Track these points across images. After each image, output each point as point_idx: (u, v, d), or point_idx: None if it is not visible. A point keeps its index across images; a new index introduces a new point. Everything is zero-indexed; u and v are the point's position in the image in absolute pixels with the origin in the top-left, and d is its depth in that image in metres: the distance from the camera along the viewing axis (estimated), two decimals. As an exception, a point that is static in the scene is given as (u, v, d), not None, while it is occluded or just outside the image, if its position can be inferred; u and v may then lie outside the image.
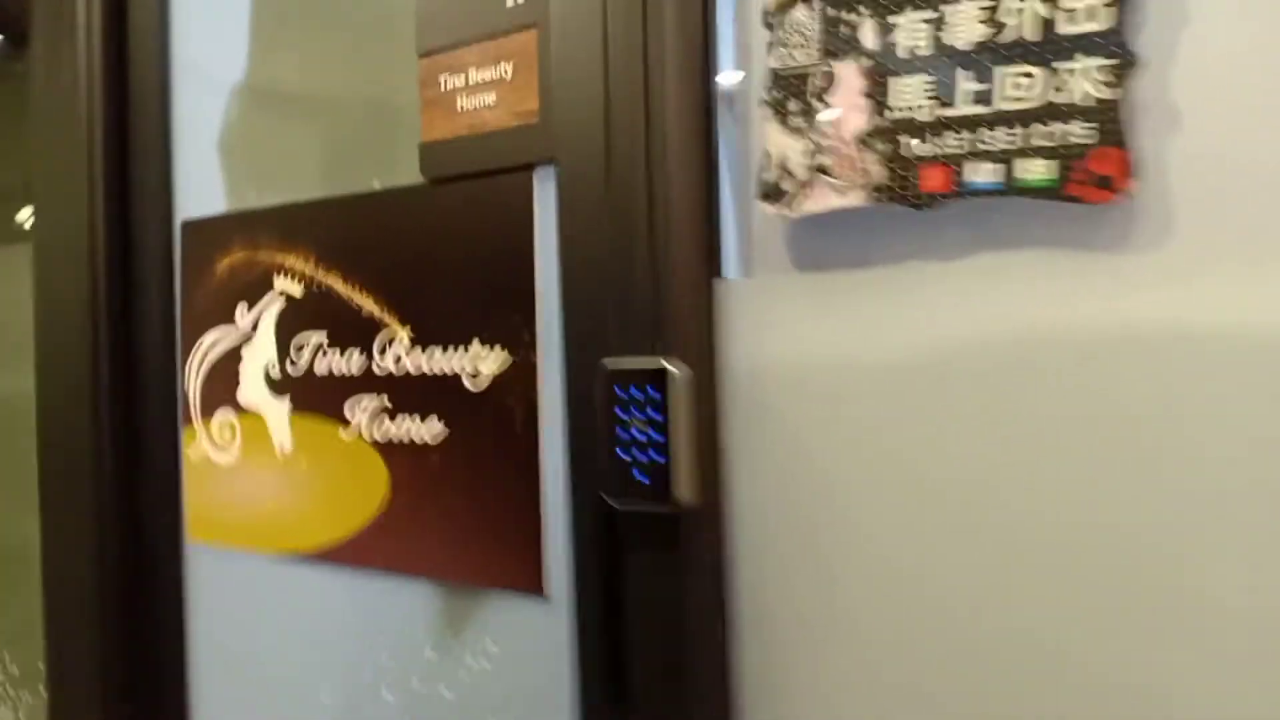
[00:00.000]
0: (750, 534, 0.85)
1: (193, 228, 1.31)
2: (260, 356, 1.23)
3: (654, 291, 0.84)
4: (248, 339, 1.24)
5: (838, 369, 0.80)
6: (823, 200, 0.79)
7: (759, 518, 0.84)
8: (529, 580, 0.98)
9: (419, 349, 1.07)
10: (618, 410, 0.82)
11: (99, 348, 1.32)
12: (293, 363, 1.19)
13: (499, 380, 1.01)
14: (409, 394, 1.08)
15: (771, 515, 0.84)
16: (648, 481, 0.81)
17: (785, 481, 0.83)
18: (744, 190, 0.86)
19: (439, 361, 1.05)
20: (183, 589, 1.32)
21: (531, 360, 0.98)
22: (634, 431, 0.82)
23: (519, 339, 0.99)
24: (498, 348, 1.01)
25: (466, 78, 1.03)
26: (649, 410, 0.81)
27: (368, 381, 1.12)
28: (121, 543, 1.32)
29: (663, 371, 0.81)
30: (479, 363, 1.02)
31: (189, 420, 1.31)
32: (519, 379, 0.99)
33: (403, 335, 1.09)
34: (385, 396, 1.10)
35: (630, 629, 0.86)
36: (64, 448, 1.34)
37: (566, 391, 0.93)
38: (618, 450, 0.82)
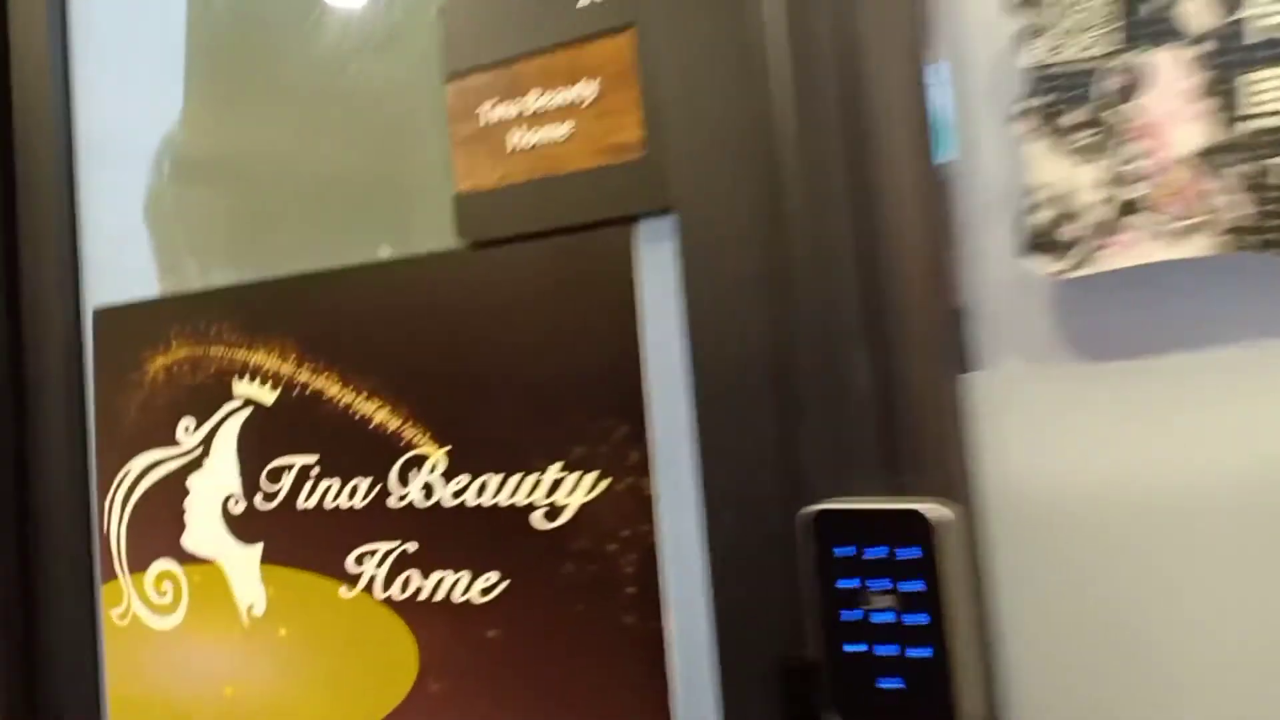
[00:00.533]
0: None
1: (110, 317, 0.98)
2: (216, 487, 0.91)
3: (877, 396, 0.56)
4: (196, 464, 0.92)
5: (1160, 497, 0.54)
6: (1140, 250, 0.53)
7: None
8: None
9: (464, 476, 0.77)
10: (841, 583, 0.54)
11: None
12: (265, 495, 0.87)
13: (589, 513, 0.71)
14: (447, 537, 0.78)
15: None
16: (905, 686, 0.52)
17: (1082, 671, 0.56)
18: (985, 240, 0.59)
19: (493, 492, 0.75)
20: (105, 806, 0.97)
21: (643, 490, 0.69)
22: (874, 615, 0.53)
23: (621, 459, 0.70)
24: (587, 472, 0.71)
25: (521, 105, 0.75)
26: (900, 580, 0.52)
27: (382, 520, 0.81)
28: (17, 744, 0.98)
29: (919, 518, 0.52)
30: (557, 492, 0.73)
31: (111, 573, 0.97)
32: (623, 513, 0.70)
33: (436, 457, 0.78)
34: (411, 542, 0.79)
35: None
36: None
37: (710, 533, 0.64)
38: (845, 645, 0.54)
